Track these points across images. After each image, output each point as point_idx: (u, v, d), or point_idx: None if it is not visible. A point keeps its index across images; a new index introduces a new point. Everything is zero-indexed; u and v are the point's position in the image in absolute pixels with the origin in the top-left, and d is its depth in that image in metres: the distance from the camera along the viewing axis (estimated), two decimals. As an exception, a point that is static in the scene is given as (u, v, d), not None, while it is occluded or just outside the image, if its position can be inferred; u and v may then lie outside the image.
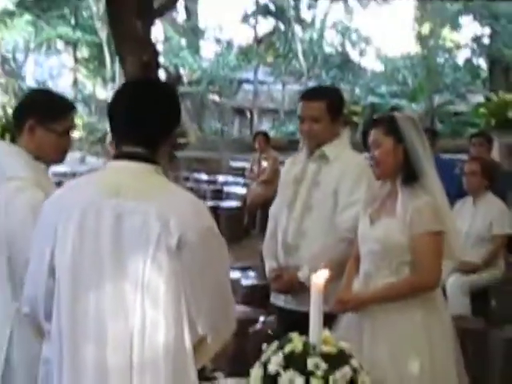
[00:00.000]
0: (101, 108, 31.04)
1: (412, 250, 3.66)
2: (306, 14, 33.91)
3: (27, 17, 30.03)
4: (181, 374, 2.47)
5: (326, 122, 4.32)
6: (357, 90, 32.04)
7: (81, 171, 18.60)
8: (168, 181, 2.60)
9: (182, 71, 32.47)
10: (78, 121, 32.02)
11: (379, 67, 34.52)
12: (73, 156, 24.53)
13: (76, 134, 30.20)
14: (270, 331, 5.33)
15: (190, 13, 35.04)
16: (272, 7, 32.87)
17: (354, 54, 35.15)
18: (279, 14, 32.93)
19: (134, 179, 2.52)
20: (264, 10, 33.06)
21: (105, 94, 30.87)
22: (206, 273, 2.46)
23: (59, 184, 3.30)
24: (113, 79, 27.54)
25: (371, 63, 35.39)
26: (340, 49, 34.91)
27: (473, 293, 6.55)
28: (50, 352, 2.57)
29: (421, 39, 30.92)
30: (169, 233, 2.40)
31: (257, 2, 32.41)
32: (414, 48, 32.16)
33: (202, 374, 3.40)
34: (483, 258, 6.68)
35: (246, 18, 33.67)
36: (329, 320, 3.91)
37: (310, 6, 33.34)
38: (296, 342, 2.47)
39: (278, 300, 4.51)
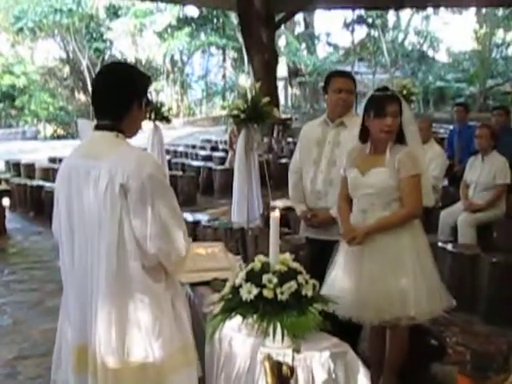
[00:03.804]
0: (242, 93, 31.36)
1: (400, 190, 3.54)
2: (390, 22, 33.31)
3: (186, 30, 30.44)
4: (121, 295, 2.43)
5: (354, 95, 4.26)
6: (430, 77, 31.35)
7: (222, 139, 18.82)
8: (123, 143, 2.52)
9: (299, 66, 32.45)
10: (225, 103, 32.66)
11: (447, 60, 33.70)
12: (219, 128, 24.83)
13: (223, 112, 30.73)
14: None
15: (307, 23, 34.83)
16: (365, 17, 32.18)
17: (428, 51, 34.39)
18: (370, 22, 32.32)
19: (98, 144, 2.52)
20: (359, 20, 32.49)
21: (245, 83, 31.11)
22: (149, 209, 2.38)
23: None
24: (249, 73, 27.77)
25: (441, 57, 34.56)
26: (418, 47, 34.09)
27: (479, 227, 6.31)
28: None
29: (477, 38, 30.02)
30: (113, 183, 2.37)
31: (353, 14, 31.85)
32: (473, 45, 31.24)
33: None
34: (487, 200, 6.41)
35: (346, 26, 33.15)
36: (330, 245, 3.80)
37: (394, 16, 32.68)
38: (256, 261, 2.37)
39: (309, 232, 4.38)
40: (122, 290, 2.42)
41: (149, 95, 2.65)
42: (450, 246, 5.64)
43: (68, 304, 2.61)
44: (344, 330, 2.99)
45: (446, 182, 7.89)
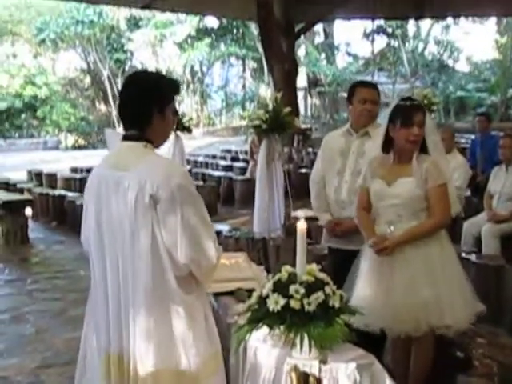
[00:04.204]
0: (262, 103, 31.38)
1: (428, 199, 3.53)
2: (410, 31, 33.17)
3: (206, 40, 30.63)
4: (159, 306, 2.45)
5: (378, 106, 4.25)
6: (450, 87, 31.15)
7: (242, 149, 18.84)
8: (151, 152, 2.54)
9: (318, 76, 32.39)
10: (244, 113, 32.74)
11: (467, 69, 33.47)
12: (239, 138, 24.89)
13: (243, 122, 30.81)
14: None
15: (327, 34, 34.83)
16: (385, 27, 32.09)
17: (448, 60, 34.17)
18: (390, 32, 32.24)
19: (126, 155, 2.54)
20: (379, 30, 32.42)
21: (265, 93, 31.16)
22: (179, 218, 2.39)
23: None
24: (269, 83, 27.87)
25: (462, 66, 34.27)
26: (438, 56, 33.93)
27: (503, 238, 6.25)
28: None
29: (499, 48, 29.78)
30: (143, 194, 2.39)
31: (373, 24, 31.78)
32: (494, 54, 30.97)
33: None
34: (511, 211, 6.35)
35: (366, 36, 33.08)
36: (352, 256, 3.77)
37: (414, 25, 32.53)
38: (283, 272, 2.36)
39: (331, 242, 4.38)
40: (158, 301, 2.44)
41: (176, 104, 2.65)
42: (473, 257, 5.58)
43: (97, 313, 2.62)
44: (368, 341, 2.97)
45: (468, 193, 7.84)
